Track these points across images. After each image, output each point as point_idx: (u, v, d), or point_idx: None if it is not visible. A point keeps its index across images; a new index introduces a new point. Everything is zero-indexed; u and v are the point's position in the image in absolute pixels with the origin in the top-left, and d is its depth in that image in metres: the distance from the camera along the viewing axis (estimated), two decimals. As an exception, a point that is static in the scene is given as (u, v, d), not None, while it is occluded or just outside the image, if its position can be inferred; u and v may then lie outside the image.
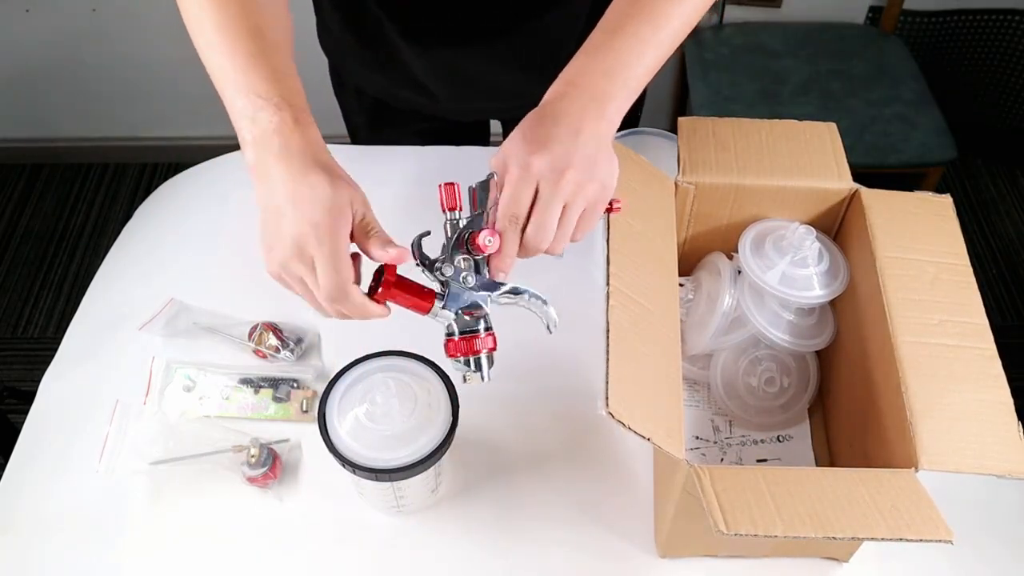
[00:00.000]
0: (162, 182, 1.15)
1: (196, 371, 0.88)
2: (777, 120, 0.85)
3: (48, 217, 2.15)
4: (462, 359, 0.65)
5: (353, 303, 0.63)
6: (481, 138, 1.22)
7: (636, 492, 0.81)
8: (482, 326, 0.65)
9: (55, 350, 0.93)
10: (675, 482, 0.67)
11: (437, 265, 0.64)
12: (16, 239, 2.10)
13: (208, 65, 0.65)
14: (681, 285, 0.87)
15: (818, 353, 0.87)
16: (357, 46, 1.01)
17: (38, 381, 0.90)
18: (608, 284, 0.69)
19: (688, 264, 0.90)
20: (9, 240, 2.10)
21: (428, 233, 0.65)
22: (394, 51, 0.97)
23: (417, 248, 0.64)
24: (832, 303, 0.83)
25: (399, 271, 0.64)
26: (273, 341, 0.89)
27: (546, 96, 0.66)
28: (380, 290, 0.63)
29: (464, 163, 1.06)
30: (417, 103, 1.05)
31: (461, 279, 0.64)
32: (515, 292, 0.66)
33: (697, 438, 0.85)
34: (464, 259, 0.64)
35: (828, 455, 0.84)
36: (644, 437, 0.61)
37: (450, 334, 0.66)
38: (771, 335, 0.81)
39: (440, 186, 0.65)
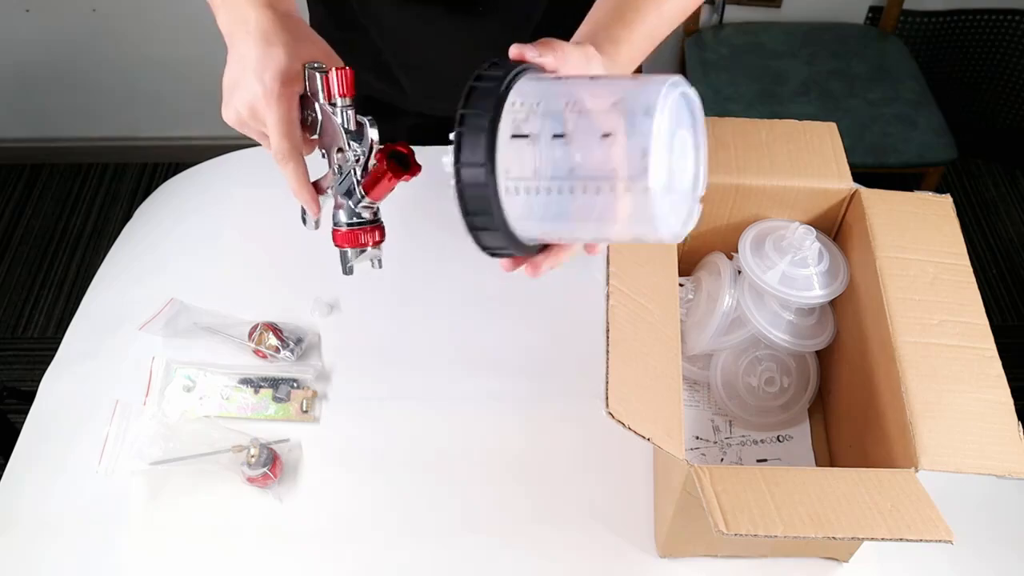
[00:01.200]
0: (162, 182, 1.15)
1: (196, 371, 0.88)
2: (777, 120, 0.85)
3: (48, 217, 2.15)
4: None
5: (291, 172, 0.65)
6: None
7: (636, 492, 0.81)
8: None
9: (55, 350, 0.93)
10: (675, 482, 0.67)
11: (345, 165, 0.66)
12: (16, 239, 2.10)
13: None
14: (681, 285, 0.87)
15: (818, 353, 0.87)
16: (332, 28, 1.01)
17: (38, 381, 0.90)
18: (608, 284, 0.69)
19: (688, 264, 0.90)
20: (9, 240, 2.10)
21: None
22: (362, 32, 0.96)
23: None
24: (832, 303, 0.83)
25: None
26: (273, 341, 0.89)
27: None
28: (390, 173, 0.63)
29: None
30: (390, 95, 1.05)
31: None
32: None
33: (697, 438, 0.85)
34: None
35: (828, 455, 0.84)
36: (644, 437, 0.61)
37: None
38: (771, 335, 0.81)
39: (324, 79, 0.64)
